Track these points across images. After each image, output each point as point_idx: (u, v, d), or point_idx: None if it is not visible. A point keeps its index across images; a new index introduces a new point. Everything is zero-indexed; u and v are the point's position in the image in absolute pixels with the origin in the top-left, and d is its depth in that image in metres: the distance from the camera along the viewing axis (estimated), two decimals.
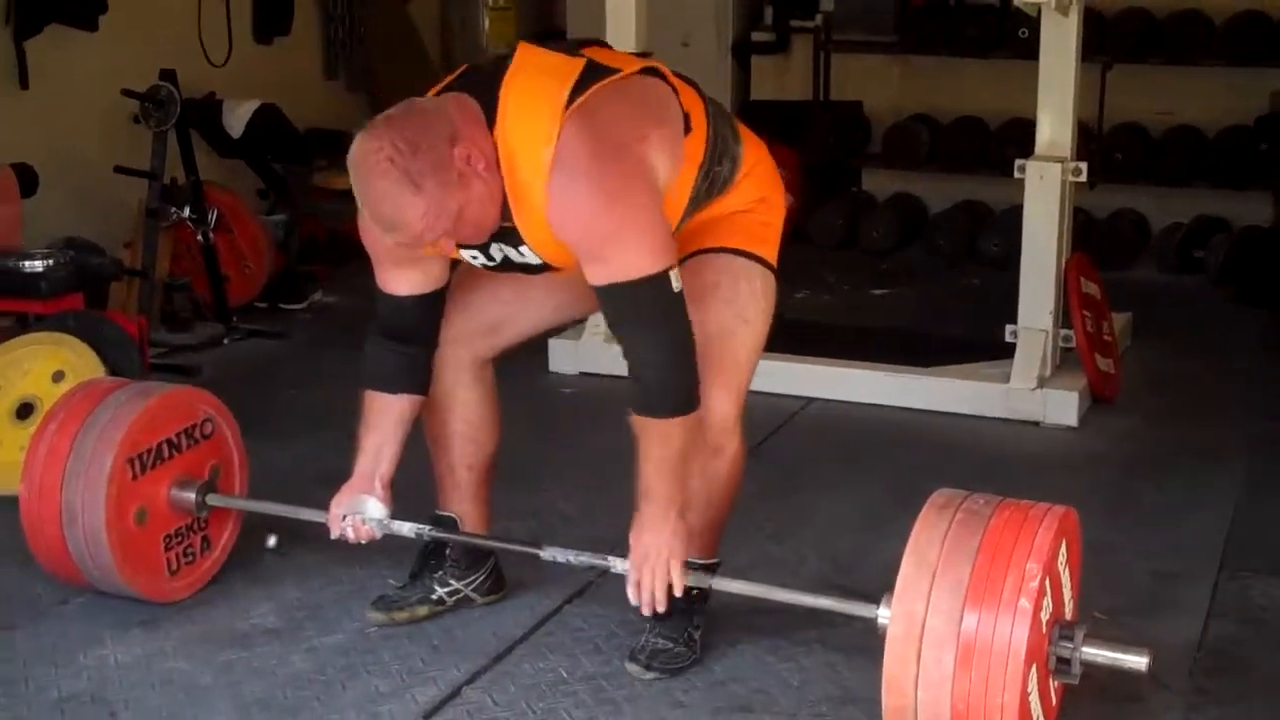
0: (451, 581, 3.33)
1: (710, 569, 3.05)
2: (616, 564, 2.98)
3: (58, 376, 4.10)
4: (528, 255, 2.88)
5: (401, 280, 2.99)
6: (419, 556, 3.36)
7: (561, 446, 4.54)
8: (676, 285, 2.73)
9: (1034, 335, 4.82)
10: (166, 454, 3.35)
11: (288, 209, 6.61)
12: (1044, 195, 4.78)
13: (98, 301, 4.95)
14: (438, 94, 2.84)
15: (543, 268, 2.93)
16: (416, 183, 2.63)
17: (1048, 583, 2.56)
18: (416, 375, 3.10)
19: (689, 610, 3.08)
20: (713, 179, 2.97)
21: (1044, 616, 2.57)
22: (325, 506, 3.14)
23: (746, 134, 3.09)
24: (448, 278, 3.04)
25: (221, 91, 6.43)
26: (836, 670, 3.09)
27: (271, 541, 3.39)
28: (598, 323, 4.91)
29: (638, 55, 3.33)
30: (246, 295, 6.13)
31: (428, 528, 3.20)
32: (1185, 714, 2.94)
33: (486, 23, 8.18)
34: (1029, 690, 2.53)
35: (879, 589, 2.70)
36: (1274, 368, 5.43)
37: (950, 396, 4.89)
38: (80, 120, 5.93)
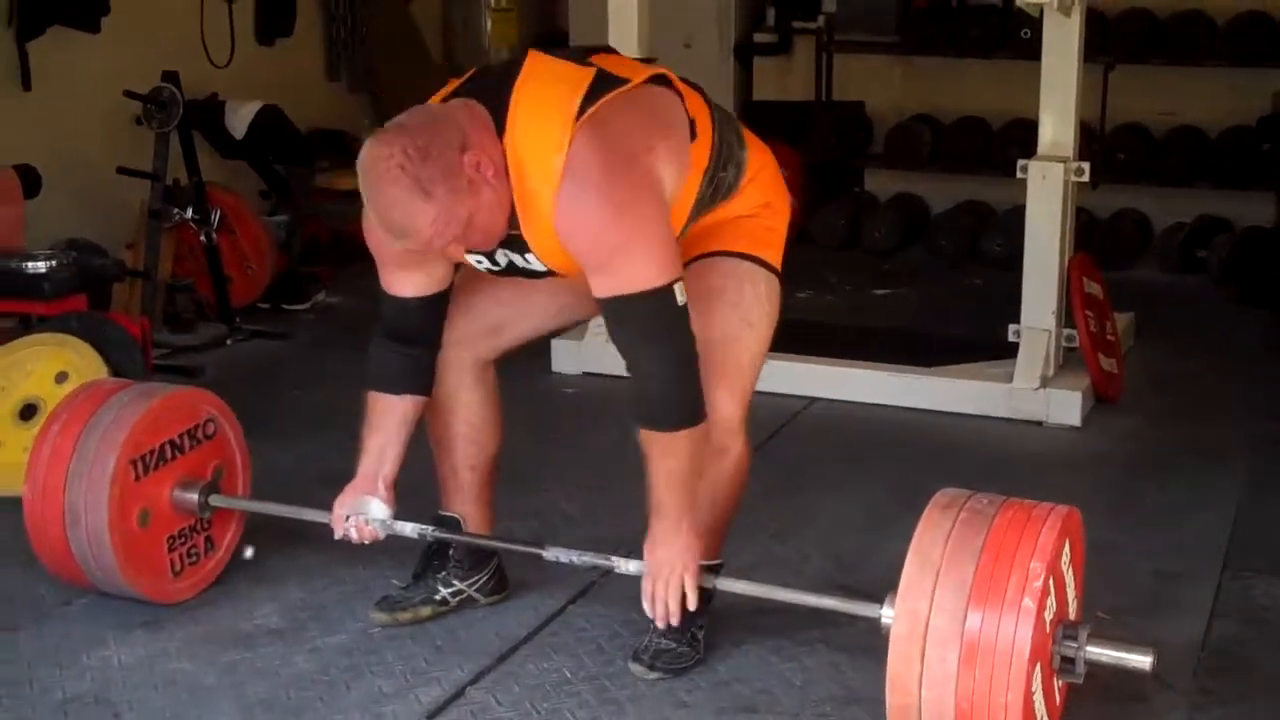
0: (455, 582, 3.33)
1: (714, 569, 3.05)
2: (619, 564, 2.98)
3: (61, 378, 4.10)
4: (533, 262, 2.89)
5: (405, 282, 2.99)
6: (422, 557, 3.36)
7: (564, 447, 4.54)
8: (681, 299, 2.73)
9: (1037, 335, 4.82)
10: (169, 455, 3.35)
11: (290, 210, 6.60)
12: (1046, 195, 4.78)
13: (100, 303, 4.95)
14: (446, 98, 2.83)
15: (547, 274, 2.93)
16: (426, 190, 2.62)
17: (1051, 582, 2.56)
18: (420, 376, 3.09)
19: (693, 611, 3.07)
20: (717, 184, 2.97)
21: (1048, 616, 2.57)
22: (328, 507, 3.14)
23: (751, 139, 3.09)
24: (451, 279, 3.03)
25: (224, 92, 6.43)
26: (840, 670, 3.09)
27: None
28: (600, 324, 4.89)
29: (644, 61, 3.33)
30: (249, 296, 6.13)
31: (431, 528, 3.20)
32: (1189, 714, 2.94)
33: (488, 23, 8.16)
34: (1033, 689, 2.53)
35: (883, 589, 2.71)
36: (1276, 368, 5.42)
37: (953, 396, 4.89)
38: (83, 121, 5.92)
